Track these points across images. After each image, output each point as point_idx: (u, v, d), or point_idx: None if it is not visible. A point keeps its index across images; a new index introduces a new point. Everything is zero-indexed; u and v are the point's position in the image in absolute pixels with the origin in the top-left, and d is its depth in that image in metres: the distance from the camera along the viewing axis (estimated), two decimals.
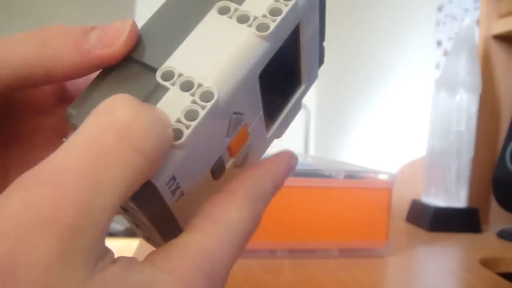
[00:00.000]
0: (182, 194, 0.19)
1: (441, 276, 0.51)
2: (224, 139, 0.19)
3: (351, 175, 0.54)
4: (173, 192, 0.18)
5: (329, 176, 0.53)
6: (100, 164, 0.14)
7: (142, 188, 0.16)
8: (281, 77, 0.23)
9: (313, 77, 0.25)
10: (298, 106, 0.25)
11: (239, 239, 0.18)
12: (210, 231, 0.17)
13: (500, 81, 0.80)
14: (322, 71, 0.26)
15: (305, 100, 0.26)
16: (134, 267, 0.16)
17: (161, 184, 0.17)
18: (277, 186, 0.20)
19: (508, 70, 0.80)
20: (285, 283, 0.45)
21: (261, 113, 0.21)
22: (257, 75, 0.19)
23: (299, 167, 0.54)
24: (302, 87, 0.24)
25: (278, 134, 0.24)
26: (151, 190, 0.17)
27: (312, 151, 2.23)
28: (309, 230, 0.53)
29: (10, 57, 0.18)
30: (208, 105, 0.17)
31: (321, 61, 0.25)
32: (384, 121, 1.42)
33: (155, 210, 0.18)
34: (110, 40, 0.18)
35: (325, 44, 0.26)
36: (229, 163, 0.21)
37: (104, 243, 0.15)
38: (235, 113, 0.19)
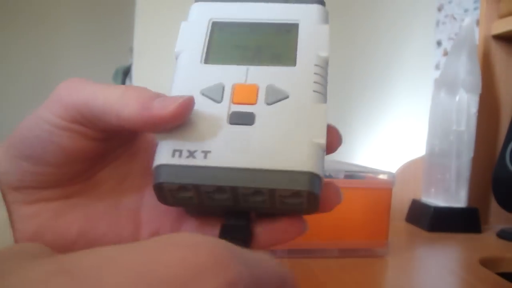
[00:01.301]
0: (208, 152, 0.23)
1: (441, 276, 0.51)
2: (216, 104, 0.24)
3: (351, 175, 0.54)
4: (192, 155, 0.23)
5: (329, 176, 0.53)
6: None
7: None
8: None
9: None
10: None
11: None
12: None
13: (500, 81, 0.80)
14: None
15: None
16: None
17: (165, 161, 0.23)
18: None
19: (508, 70, 0.80)
20: None
21: (246, 68, 0.26)
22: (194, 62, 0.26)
23: None
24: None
25: (322, 57, 0.26)
26: (157, 170, 0.23)
27: None
28: (309, 230, 0.53)
29: (99, 94, 0.23)
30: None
31: None
32: (384, 121, 1.42)
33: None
34: (168, 103, 0.22)
35: None
36: (257, 109, 0.24)
37: None
38: (203, 93, 0.25)
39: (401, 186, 0.81)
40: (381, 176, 0.55)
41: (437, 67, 1.09)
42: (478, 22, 0.82)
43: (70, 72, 2.73)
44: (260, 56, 0.27)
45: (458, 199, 0.74)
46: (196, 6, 0.29)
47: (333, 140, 0.25)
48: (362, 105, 1.62)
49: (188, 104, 0.23)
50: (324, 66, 0.26)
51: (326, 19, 0.28)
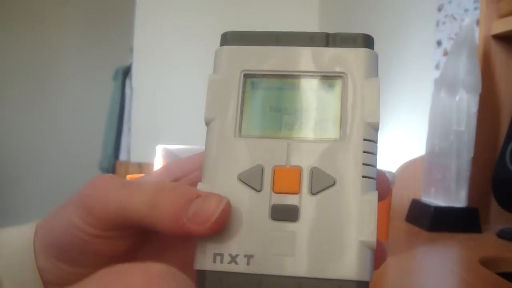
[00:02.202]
0: (250, 256, 0.22)
1: (441, 276, 0.51)
2: (256, 194, 0.22)
3: None
4: (234, 261, 0.21)
5: None
6: None
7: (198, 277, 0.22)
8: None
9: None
10: (367, 88, 0.24)
11: None
12: None
13: (500, 81, 0.80)
14: None
15: None
16: None
17: (208, 266, 0.22)
18: None
19: (508, 70, 0.80)
20: None
21: (286, 143, 0.23)
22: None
23: None
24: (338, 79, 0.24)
25: (372, 124, 0.23)
26: (201, 275, 0.22)
27: None
28: None
29: (128, 204, 0.23)
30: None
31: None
32: (384, 121, 1.42)
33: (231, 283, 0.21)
34: (203, 219, 0.21)
35: None
36: (301, 200, 0.22)
37: None
38: (240, 179, 0.23)
39: (401, 186, 0.81)
40: None
41: (437, 67, 1.09)
42: (478, 22, 0.82)
43: (71, 72, 2.74)
44: (302, 125, 0.24)
45: (458, 199, 0.74)
46: (223, 53, 0.25)
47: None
48: None
49: (225, 215, 0.22)
50: (373, 139, 0.24)
51: (375, 69, 0.25)
